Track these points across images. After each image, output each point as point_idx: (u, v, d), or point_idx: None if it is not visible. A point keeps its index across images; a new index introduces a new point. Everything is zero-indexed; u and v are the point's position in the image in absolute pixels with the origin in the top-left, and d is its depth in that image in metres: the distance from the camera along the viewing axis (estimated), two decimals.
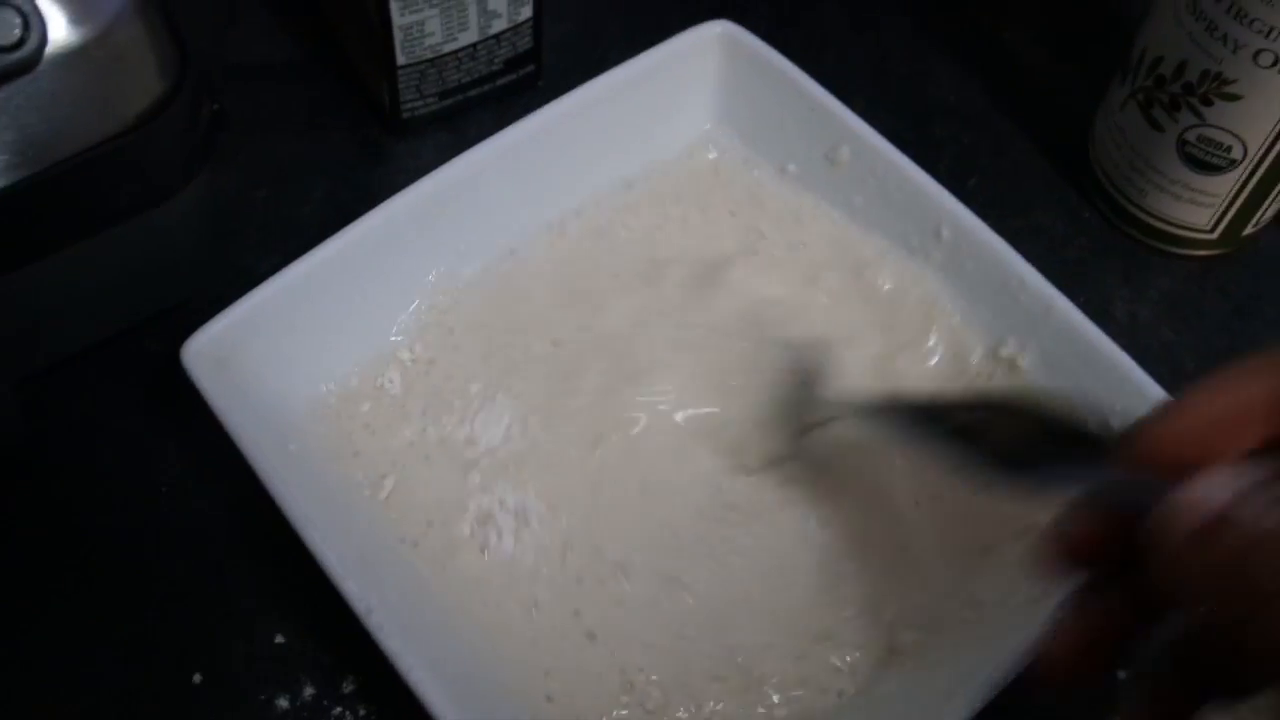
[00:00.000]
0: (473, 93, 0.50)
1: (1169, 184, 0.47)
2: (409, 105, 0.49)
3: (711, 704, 0.38)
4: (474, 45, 0.48)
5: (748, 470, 0.42)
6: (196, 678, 0.40)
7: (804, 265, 0.45)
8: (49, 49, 0.32)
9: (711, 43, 0.46)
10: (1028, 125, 0.53)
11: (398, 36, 0.46)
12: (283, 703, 0.39)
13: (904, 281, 0.44)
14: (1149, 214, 0.49)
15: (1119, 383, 0.40)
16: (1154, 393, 0.39)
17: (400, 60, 0.47)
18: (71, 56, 0.33)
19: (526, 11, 0.49)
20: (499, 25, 0.48)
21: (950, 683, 0.36)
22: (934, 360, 0.43)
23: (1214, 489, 0.26)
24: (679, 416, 0.42)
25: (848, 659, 0.38)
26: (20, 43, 0.31)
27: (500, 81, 0.51)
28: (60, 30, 0.32)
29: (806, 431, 0.41)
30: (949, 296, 0.43)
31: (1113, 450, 0.29)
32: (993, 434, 0.33)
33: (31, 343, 0.40)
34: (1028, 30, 0.56)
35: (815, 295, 0.45)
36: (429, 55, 0.48)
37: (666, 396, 0.43)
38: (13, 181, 0.33)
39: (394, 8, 0.45)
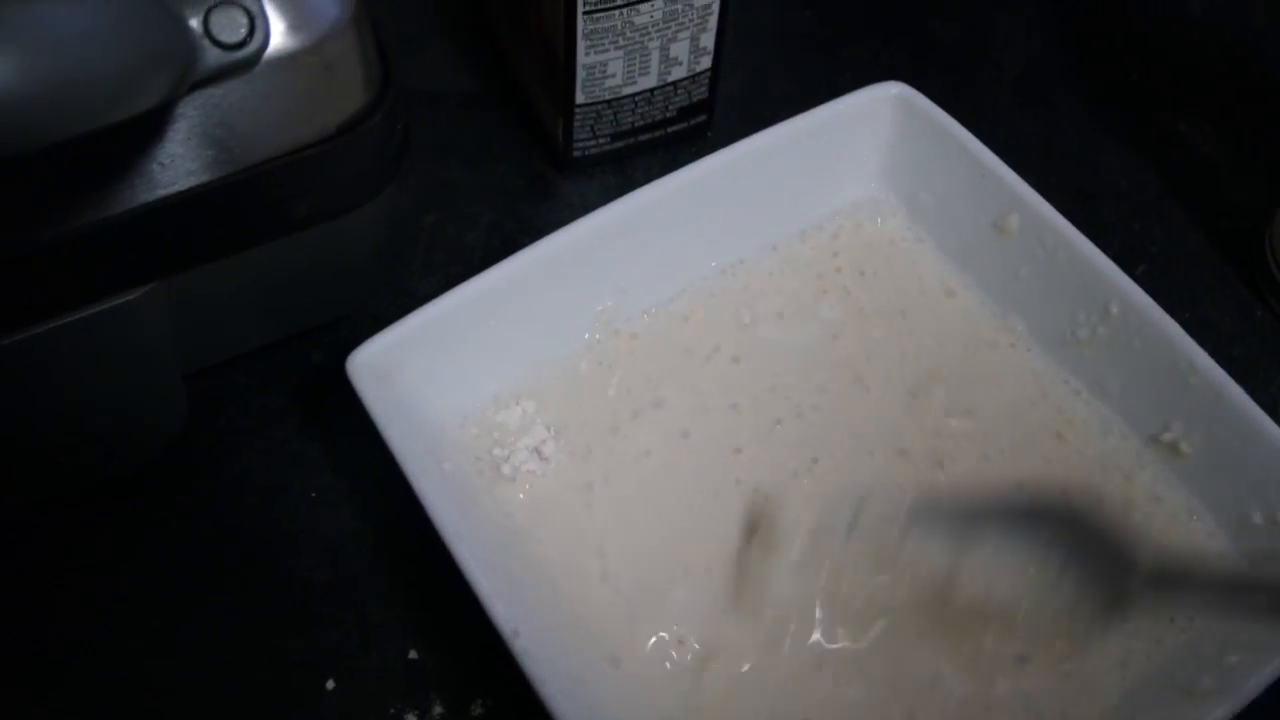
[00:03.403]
0: (644, 137, 0.51)
1: None
2: (581, 144, 0.50)
3: None
4: (652, 90, 0.49)
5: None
6: (330, 684, 0.40)
7: (958, 331, 0.45)
8: (268, 52, 0.33)
9: (885, 103, 0.46)
10: (1201, 217, 0.52)
11: (580, 75, 0.47)
12: (411, 718, 0.39)
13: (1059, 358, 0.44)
14: None
15: None
16: None
17: (579, 99, 0.48)
18: (287, 61, 0.34)
19: (706, 62, 0.49)
20: (679, 73, 0.49)
21: None
22: (1088, 440, 0.43)
23: None
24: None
25: None
26: (244, 42, 0.32)
27: (672, 129, 0.51)
28: (279, 35, 0.33)
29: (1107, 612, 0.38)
30: (1113, 375, 0.43)
31: None
32: None
33: (204, 340, 0.41)
34: (1206, 122, 0.55)
35: (970, 363, 0.45)
36: (608, 96, 0.48)
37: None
38: (216, 177, 0.34)
39: (581, 46, 0.46)
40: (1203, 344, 0.42)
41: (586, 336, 0.44)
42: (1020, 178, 0.45)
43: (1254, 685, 0.34)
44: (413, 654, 0.40)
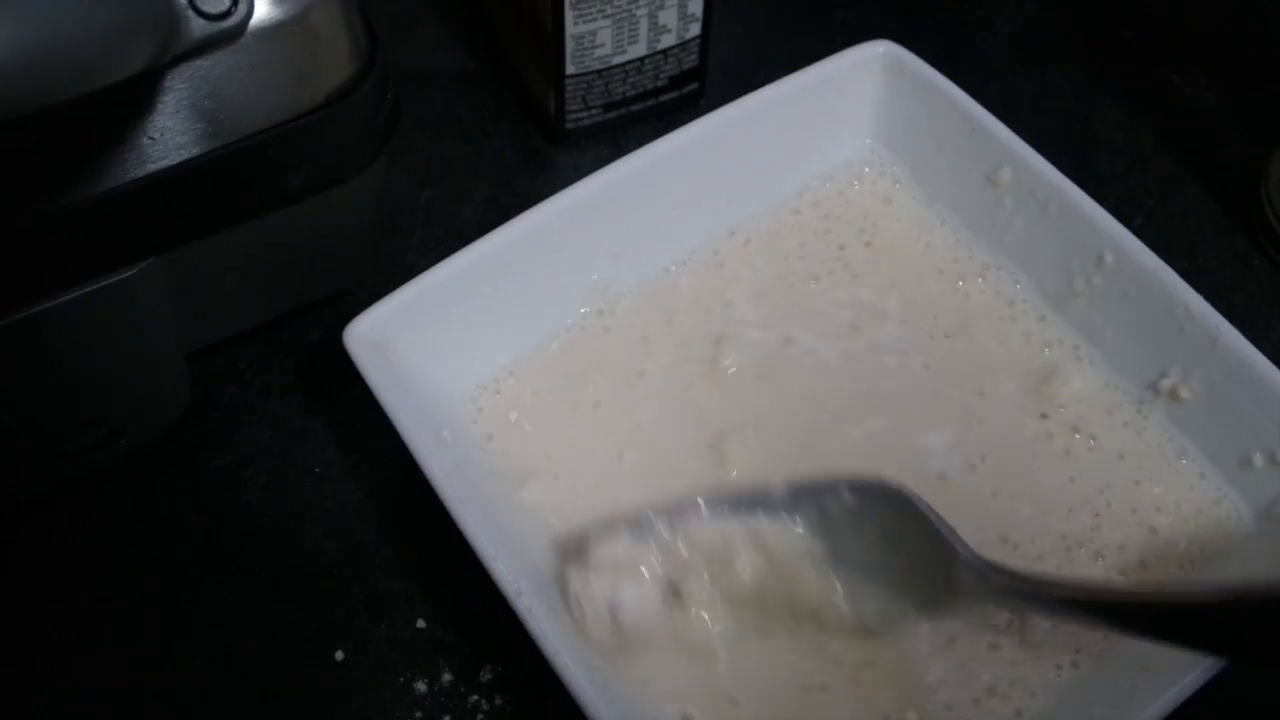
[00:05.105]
0: (636, 107, 0.51)
1: None
2: (574, 116, 0.50)
3: None
4: (642, 59, 0.49)
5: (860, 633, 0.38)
6: (339, 654, 0.40)
7: (952, 289, 0.45)
8: (253, 22, 0.33)
9: (873, 62, 0.46)
10: (1197, 168, 0.52)
11: (569, 45, 0.47)
12: (421, 686, 0.40)
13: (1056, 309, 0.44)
14: None
15: None
16: None
17: (569, 70, 0.48)
18: (272, 31, 0.34)
19: (695, 29, 0.49)
20: (668, 41, 0.49)
21: None
22: (1089, 389, 0.43)
23: None
24: None
25: None
26: (229, 12, 0.32)
27: (664, 98, 0.51)
28: (264, 5, 0.33)
29: (940, 605, 0.37)
30: (1109, 324, 0.43)
31: None
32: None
33: (204, 317, 0.42)
34: (1199, 73, 0.55)
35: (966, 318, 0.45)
36: (597, 66, 0.48)
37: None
38: (207, 150, 0.35)
39: (569, 16, 0.46)
40: (1202, 293, 0.42)
41: (581, 304, 0.44)
42: (1011, 131, 0.45)
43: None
44: (421, 623, 0.41)
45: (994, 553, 0.38)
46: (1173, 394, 0.41)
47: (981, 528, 0.39)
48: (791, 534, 0.37)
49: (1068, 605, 0.34)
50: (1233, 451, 0.40)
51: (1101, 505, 0.40)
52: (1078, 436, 0.42)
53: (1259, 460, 0.39)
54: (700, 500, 0.38)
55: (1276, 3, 0.58)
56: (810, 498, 0.37)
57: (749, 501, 0.38)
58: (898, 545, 0.37)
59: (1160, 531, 0.40)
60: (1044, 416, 0.42)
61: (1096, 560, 0.40)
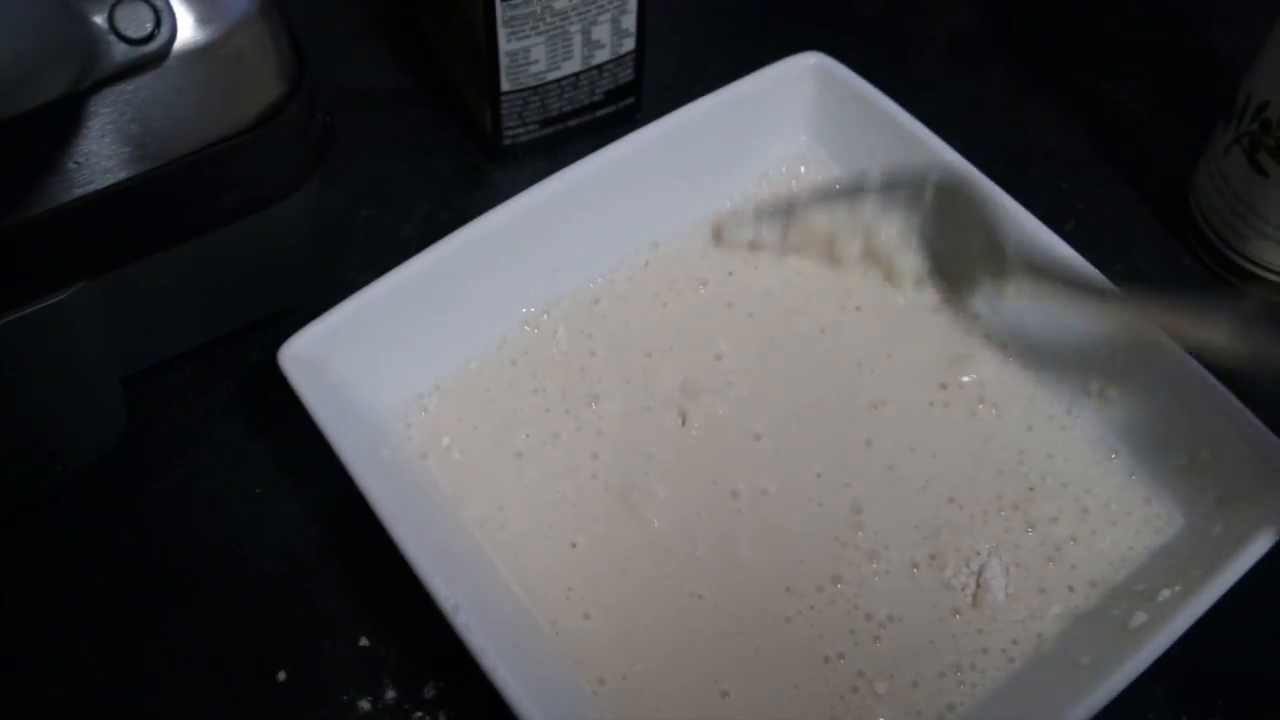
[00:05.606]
0: (573, 122, 0.51)
1: (1272, 230, 0.46)
2: (510, 132, 0.50)
3: None
4: (576, 75, 0.49)
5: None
6: (281, 675, 0.40)
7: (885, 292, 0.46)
8: (176, 45, 0.33)
9: (805, 73, 0.47)
10: (1127, 171, 0.53)
11: (503, 62, 0.47)
12: (364, 704, 0.39)
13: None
14: (1250, 261, 0.48)
15: (1213, 411, 0.39)
16: (1255, 427, 0.39)
17: (504, 86, 0.48)
18: (197, 54, 0.34)
19: (629, 44, 0.50)
20: (602, 56, 0.49)
21: None
22: (1015, 391, 0.43)
23: None
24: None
25: None
26: (151, 36, 0.32)
27: (600, 112, 0.52)
28: (188, 28, 0.34)
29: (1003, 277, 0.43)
30: (1039, 326, 0.43)
31: None
32: None
33: (141, 340, 0.42)
34: (1128, 78, 0.56)
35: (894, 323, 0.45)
36: (532, 83, 0.49)
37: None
38: (135, 174, 0.35)
39: (502, 34, 0.46)
40: None
41: (518, 318, 0.44)
42: (940, 139, 0.45)
43: (1184, 619, 0.35)
44: (364, 641, 0.41)
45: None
46: (1101, 394, 0.42)
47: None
48: (887, 216, 0.45)
49: (1087, 292, 0.41)
50: (1162, 451, 0.41)
51: (1028, 500, 0.41)
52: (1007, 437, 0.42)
53: (1187, 459, 0.40)
54: (808, 191, 0.47)
55: (1203, 10, 0.59)
56: (902, 184, 0.44)
57: (851, 189, 0.45)
58: (971, 227, 0.43)
59: (1089, 530, 0.40)
60: (973, 415, 0.43)
61: (1028, 530, 0.40)
